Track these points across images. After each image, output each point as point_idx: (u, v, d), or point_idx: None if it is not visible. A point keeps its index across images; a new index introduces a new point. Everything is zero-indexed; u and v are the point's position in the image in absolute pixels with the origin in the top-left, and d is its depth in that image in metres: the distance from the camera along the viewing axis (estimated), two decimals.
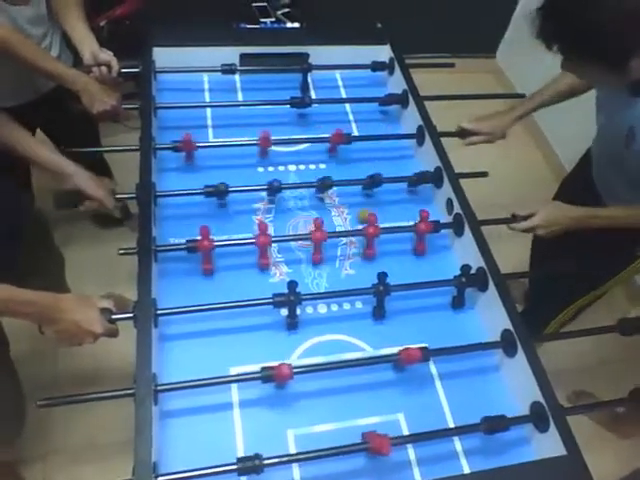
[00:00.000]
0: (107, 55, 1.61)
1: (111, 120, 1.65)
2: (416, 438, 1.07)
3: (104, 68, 1.60)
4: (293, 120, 1.69)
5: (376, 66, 1.79)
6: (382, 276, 1.25)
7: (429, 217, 1.39)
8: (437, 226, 1.40)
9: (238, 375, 1.11)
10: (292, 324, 1.24)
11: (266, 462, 0.97)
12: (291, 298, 1.19)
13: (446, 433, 1.11)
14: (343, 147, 1.59)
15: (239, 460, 0.96)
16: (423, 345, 1.16)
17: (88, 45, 1.61)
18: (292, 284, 1.20)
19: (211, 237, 1.27)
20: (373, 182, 1.48)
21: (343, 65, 1.81)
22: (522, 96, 1.79)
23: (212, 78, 1.74)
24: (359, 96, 1.75)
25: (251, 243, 1.29)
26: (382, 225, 1.36)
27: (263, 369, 1.08)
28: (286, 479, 1.03)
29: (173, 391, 1.06)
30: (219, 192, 1.40)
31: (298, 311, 1.27)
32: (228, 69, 1.67)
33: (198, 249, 1.27)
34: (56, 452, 1.86)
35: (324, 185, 1.46)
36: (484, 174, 1.55)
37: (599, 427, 2.12)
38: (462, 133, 1.64)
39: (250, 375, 1.08)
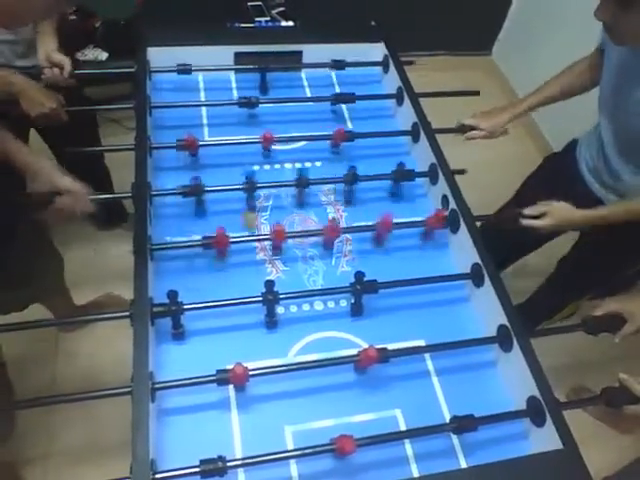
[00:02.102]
0: (60, 56, 1.60)
1: (52, 124, 1.63)
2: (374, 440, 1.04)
3: (56, 69, 1.59)
4: (289, 118, 1.68)
5: (337, 65, 1.78)
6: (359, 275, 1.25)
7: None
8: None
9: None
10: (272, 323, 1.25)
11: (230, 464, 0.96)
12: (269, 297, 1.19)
13: (418, 432, 1.08)
14: (340, 145, 1.60)
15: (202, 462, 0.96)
16: (384, 346, 1.15)
17: (44, 45, 1.60)
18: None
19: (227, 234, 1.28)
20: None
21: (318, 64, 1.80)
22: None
23: (207, 77, 1.74)
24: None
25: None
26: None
27: (218, 372, 1.07)
28: (283, 475, 1.03)
29: (170, 389, 1.06)
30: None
31: (295, 308, 1.28)
32: (183, 69, 1.66)
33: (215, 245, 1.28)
34: (56, 452, 1.87)
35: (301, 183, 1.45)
36: (462, 171, 1.55)
37: (598, 422, 2.13)
38: (462, 128, 1.65)
39: (208, 378, 1.07)
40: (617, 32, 1.23)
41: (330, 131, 1.58)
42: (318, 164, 1.59)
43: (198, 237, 1.30)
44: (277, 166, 1.57)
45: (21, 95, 1.53)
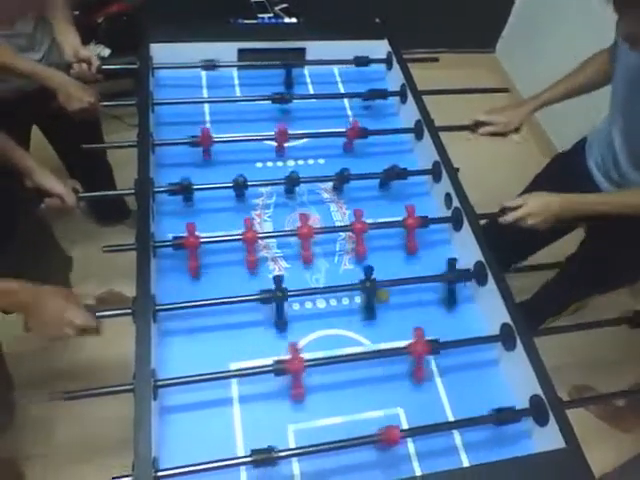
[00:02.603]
0: (87, 51, 1.61)
1: (89, 118, 1.64)
2: (424, 430, 1.07)
3: (84, 65, 1.60)
4: (291, 115, 1.68)
5: (360, 61, 1.78)
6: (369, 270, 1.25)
7: (414, 212, 1.38)
8: (427, 221, 1.39)
9: (240, 370, 1.11)
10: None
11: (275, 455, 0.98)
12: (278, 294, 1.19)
13: (456, 424, 1.11)
14: (341, 142, 1.59)
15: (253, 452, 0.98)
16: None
17: (69, 41, 1.60)
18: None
19: (197, 234, 1.27)
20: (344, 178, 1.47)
21: (335, 60, 1.80)
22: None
23: (210, 74, 1.73)
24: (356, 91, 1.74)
25: (238, 239, 1.29)
26: (379, 220, 1.37)
27: (275, 362, 1.08)
28: (286, 473, 1.03)
29: (173, 386, 1.06)
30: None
31: (297, 306, 1.28)
32: (207, 65, 1.67)
33: (185, 246, 1.27)
34: (57, 449, 1.87)
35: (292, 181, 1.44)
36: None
37: (599, 421, 2.13)
38: (475, 125, 1.63)
39: (257, 369, 1.08)
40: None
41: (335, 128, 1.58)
42: (321, 161, 1.59)
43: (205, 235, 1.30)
44: (280, 164, 1.56)
45: (59, 90, 1.54)
